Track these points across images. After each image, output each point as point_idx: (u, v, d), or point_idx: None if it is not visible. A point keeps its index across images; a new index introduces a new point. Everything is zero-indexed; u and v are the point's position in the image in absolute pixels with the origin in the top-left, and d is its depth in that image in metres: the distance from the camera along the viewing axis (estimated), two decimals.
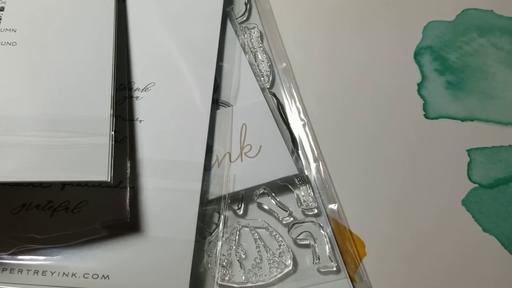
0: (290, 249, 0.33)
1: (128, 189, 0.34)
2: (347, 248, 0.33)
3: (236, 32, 0.42)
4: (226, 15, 0.43)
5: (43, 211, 0.33)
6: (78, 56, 0.36)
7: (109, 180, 0.31)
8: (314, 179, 0.36)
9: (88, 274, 0.31)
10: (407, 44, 0.43)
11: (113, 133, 0.32)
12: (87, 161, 0.31)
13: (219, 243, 0.33)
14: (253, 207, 0.35)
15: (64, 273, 0.31)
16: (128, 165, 0.35)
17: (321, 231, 0.34)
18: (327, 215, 0.34)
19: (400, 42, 0.43)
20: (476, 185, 0.36)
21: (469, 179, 0.36)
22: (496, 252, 0.34)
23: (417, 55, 0.43)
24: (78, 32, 0.37)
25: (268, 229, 0.34)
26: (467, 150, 0.38)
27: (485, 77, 0.42)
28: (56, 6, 0.38)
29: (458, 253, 0.34)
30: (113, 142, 0.32)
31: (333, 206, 0.35)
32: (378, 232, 0.34)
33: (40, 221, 0.32)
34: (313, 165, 0.37)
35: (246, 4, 0.44)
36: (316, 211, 0.34)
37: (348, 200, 0.35)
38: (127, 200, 0.34)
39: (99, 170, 0.31)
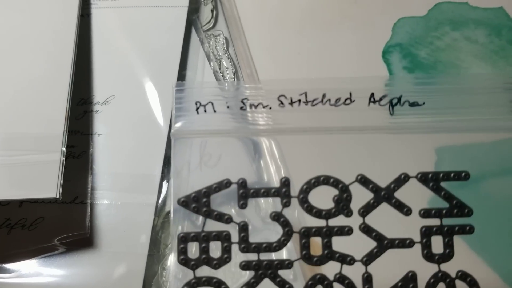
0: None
1: (89, 204, 0.34)
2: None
3: (201, 40, 0.42)
4: (191, 23, 0.43)
5: (1, 229, 0.33)
6: (35, 72, 0.36)
7: (57, 196, 0.31)
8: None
9: None
10: (375, 42, 0.42)
11: (64, 149, 0.32)
12: (37, 178, 0.31)
13: (172, 256, 0.32)
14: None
15: None
16: (90, 179, 0.35)
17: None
18: None
19: (368, 41, 0.42)
20: None
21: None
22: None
23: (385, 53, 0.41)
24: (37, 49, 0.38)
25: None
26: (435, 149, 0.37)
27: (457, 72, 0.40)
28: (15, 22, 0.38)
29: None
30: (64, 158, 0.32)
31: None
32: None
33: None
34: (272, 170, 0.36)
35: (212, 11, 0.44)
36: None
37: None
38: (87, 215, 0.34)
39: (47, 187, 0.31)
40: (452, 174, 0.28)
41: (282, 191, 0.29)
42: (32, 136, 0.33)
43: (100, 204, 0.34)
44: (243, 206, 0.29)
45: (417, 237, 0.29)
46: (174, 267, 0.30)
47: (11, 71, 0.36)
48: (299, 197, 0.29)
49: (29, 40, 0.38)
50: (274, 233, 0.33)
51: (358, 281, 0.28)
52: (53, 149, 0.33)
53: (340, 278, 0.27)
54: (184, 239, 0.29)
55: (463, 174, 0.28)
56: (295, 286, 0.29)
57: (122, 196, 0.34)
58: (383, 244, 0.28)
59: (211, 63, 0.41)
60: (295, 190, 0.31)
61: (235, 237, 0.30)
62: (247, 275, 0.31)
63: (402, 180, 0.29)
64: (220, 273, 0.30)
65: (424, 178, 0.29)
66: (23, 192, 0.31)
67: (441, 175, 0.28)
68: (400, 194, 0.31)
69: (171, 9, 0.42)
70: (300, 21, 0.43)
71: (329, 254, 0.28)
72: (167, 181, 0.35)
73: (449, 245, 0.28)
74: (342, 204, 0.29)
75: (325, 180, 0.29)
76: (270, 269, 0.28)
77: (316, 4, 0.45)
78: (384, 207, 0.30)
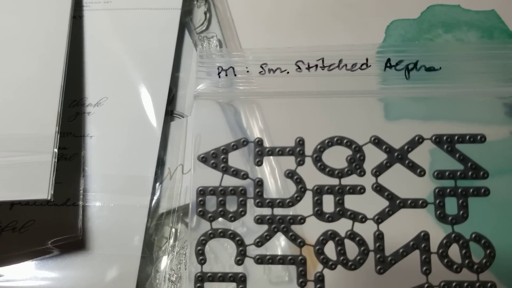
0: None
1: (81, 206, 0.33)
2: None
3: (194, 42, 0.42)
4: (184, 25, 0.43)
5: None
6: (27, 74, 0.36)
7: (49, 198, 0.30)
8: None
9: None
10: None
11: (56, 150, 0.32)
12: (28, 179, 0.31)
13: (165, 258, 0.32)
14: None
15: None
16: (82, 181, 0.34)
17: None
18: None
19: (361, 43, 0.42)
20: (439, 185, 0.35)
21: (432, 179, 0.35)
22: None
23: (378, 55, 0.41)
24: (28, 50, 0.37)
25: (220, 241, 0.33)
26: (429, 151, 0.37)
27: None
28: (7, 23, 0.38)
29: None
30: (56, 160, 0.32)
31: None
32: None
33: None
34: (267, 171, 0.36)
35: (205, 14, 0.44)
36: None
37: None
38: (80, 217, 0.33)
39: (39, 188, 0.31)
40: (467, 137, 0.29)
41: (297, 150, 0.30)
42: (24, 137, 0.33)
43: (93, 206, 0.34)
44: (259, 163, 0.30)
45: (430, 200, 0.29)
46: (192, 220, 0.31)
47: (3, 72, 0.36)
48: (313, 156, 0.30)
49: (21, 41, 0.38)
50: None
51: (369, 239, 0.28)
52: (45, 150, 0.32)
53: (352, 235, 0.28)
54: (202, 192, 0.30)
55: (478, 137, 0.29)
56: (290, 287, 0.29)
57: (114, 198, 0.34)
58: (396, 203, 0.28)
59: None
60: (309, 152, 0.31)
61: (250, 194, 0.30)
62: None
63: (416, 141, 0.30)
64: (237, 227, 0.31)
65: (438, 140, 0.30)
66: (14, 193, 0.31)
67: (456, 137, 0.29)
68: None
69: (164, 11, 0.42)
70: (293, 23, 0.44)
71: (341, 211, 0.28)
72: (160, 183, 0.35)
73: (463, 207, 0.28)
74: (355, 164, 0.29)
75: (339, 141, 0.30)
76: (283, 224, 0.28)
77: (309, 6, 0.45)
78: (397, 168, 0.30)
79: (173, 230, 0.34)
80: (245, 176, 0.29)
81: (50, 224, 0.33)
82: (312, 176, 0.30)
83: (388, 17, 0.44)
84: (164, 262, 0.32)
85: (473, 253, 0.28)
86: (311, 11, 0.45)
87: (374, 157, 0.30)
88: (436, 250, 0.27)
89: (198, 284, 0.28)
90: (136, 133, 0.36)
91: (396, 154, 0.29)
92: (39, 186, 0.31)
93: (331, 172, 0.29)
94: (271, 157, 0.32)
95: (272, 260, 0.28)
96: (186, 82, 0.40)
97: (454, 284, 0.26)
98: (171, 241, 0.33)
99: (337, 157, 0.30)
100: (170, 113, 0.38)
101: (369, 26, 0.43)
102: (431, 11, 0.44)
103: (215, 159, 0.30)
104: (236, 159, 0.31)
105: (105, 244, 0.33)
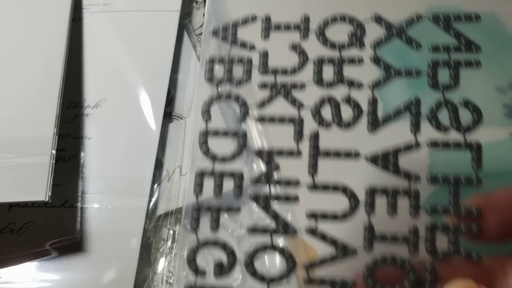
0: (241, 263, 0.32)
1: (79, 207, 0.33)
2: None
3: (193, 43, 0.42)
4: (183, 27, 0.43)
5: None
6: (26, 76, 0.36)
7: (46, 199, 0.30)
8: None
9: None
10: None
11: (54, 152, 0.32)
12: (26, 181, 0.31)
13: (163, 260, 0.32)
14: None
15: None
16: (80, 183, 0.34)
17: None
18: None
19: None
20: (438, 188, 0.35)
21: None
22: None
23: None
24: (28, 52, 0.37)
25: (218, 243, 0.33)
26: (428, 151, 0.37)
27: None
28: (7, 25, 0.38)
29: None
30: (54, 162, 0.32)
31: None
32: None
33: None
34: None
35: (204, 16, 0.44)
36: None
37: None
38: (78, 219, 0.33)
39: (36, 190, 0.31)
40: (462, 15, 0.31)
41: (302, 26, 0.31)
42: (22, 138, 0.33)
43: (91, 208, 0.34)
44: (265, 36, 0.32)
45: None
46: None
47: (2, 74, 0.36)
48: (317, 31, 0.31)
49: (20, 43, 0.38)
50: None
51: (364, 105, 0.30)
52: (43, 151, 0.32)
53: (347, 99, 0.30)
54: (211, 60, 0.32)
55: (473, 15, 0.31)
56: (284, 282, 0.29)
57: (112, 200, 0.34)
58: (391, 72, 0.30)
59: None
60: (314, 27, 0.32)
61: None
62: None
63: (414, 19, 0.31)
64: (241, 92, 0.32)
65: (436, 18, 0.31)
66: (12, 195, 0.31)
67: (451, 14, 0.31)
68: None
69: (163, 13, 0.42)
70: None
71: (339, 78, 0.30)
72: (158, 185, 0.35)
73: (454, 76, 0.30)
74: (356, 38, 0.31)
75: (342, 17, 0.31)
76: (284, 88, 0.30)
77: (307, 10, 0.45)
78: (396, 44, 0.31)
79: (171, 232, 0.33)
80: (252, 47, 0.31)
81: (48, 226, 0.33)
82: (315, 50, 0.31)
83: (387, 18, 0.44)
84: (162, 264, 0.32)
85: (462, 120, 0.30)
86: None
87: (375, 34, 0.32)
88: (426, 112, 0.29)
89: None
90: (134, 135, 0.36)
91: (394, 29, 0.31)
92: (37, 188, 0.31)
93: (332, 45, 0.30)
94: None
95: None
96: (185, 84, 0.40)
97: (441, 142, 0.28)
98: (169, 243, 0.33)
99: (340, 34, 0.32)
100: (168, 115, 0.38)
101: (368, 28, 0.43)
102: (431, 13, 0.44)
103: (225, 32, 0.32)
104: (244, 35, 0.33)
105: (103, 246, 0.32)
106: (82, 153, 0.35)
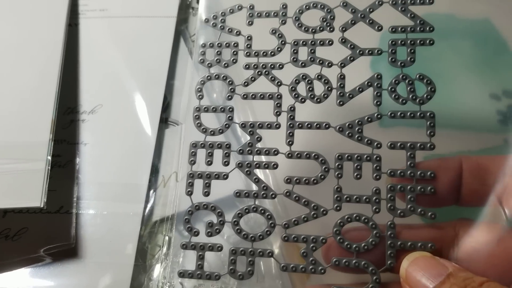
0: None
1: (74, 213, 0.33)
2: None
3: (189, 49, 0.42)
4: (180, 33, 0.43)
5: None
6: (22, 81, 0.36)
7: (42, 205, 0.30)
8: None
9: None
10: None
11: (49, 158, 0.32)
12: (21, 187, 0.31)
13: (159, 266, 0.32)
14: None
15: None
16: (75, 189, 0.34)
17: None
18: None
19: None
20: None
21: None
22: None
23: (373, 63, 0.41)
24: (24, 57, 0.37)
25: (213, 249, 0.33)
26: (423, 157, 0.37)
27: (443, 82, 0.40)
28: (2, 31, 0.38)
29: None
30: (49, 167, 0.32)
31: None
32: None
33: None
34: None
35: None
36: None
37: None
38: (73, 225, 0.33)
39: (31, 196, 0.31)
40: None
41: (280, 13, 0.35)
42: (17, 144, 0.33)
43: (86, 214, 0.34)
44: (250, 23, 0.35)
45: (385, 49, 0.35)
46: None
47: None
48: (293, 17, 0.35)
49: (17, 48, 0.38)
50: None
51: (333, 81, 0.34)
52: (38, 157, 0.32)
53: (319, 77, 0.34)
54: (203, 46, 0.36)
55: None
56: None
57: (108, 206, 0.34)
58: (356, 52, 0.34)
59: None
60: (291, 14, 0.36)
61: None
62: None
63: (377, 4, 0.35)
64: (229, 72, 0.35)
65: (394, 2, 0.35)
66: (6, 201, 0.31)
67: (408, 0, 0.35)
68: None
69: (159, 19, 0.42)
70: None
71: (312, 59, 0.34)
72: (154, 191, 0.35)
73: (411, 53, 0.34)
74: (326, 22, 0.35)
75: (315, 4, 0.36)
76: (265, 69, 0.34)
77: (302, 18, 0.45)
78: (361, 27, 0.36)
79: (167, 238, 0.33)
80: (237, 33, 0.35)
81: (43, 232, 0.33)
82: (292, 34, 0.36)
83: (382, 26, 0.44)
84: (157, 270, 0.32)
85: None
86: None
87: (343, 18, 0.36)
88: (386, 87, 0.33)
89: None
90: (130, 140, 0.36)
91: (359, 14, 0.35)
92: (32, 194, 0.31)
93: (306, 29, 0.35)
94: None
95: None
96: (181, 89, 0.40)
97: (399, 113, 0.32)
98: (164, 249, 0.33)
99: (313, 19, 0.36)
100: (164, 121, 0.38)
101: (364, 35, 0.43)
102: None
103: (215, 20, 0.36)
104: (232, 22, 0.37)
105: (98, 252, 0.32)
106: (77, 158, 0.35)
